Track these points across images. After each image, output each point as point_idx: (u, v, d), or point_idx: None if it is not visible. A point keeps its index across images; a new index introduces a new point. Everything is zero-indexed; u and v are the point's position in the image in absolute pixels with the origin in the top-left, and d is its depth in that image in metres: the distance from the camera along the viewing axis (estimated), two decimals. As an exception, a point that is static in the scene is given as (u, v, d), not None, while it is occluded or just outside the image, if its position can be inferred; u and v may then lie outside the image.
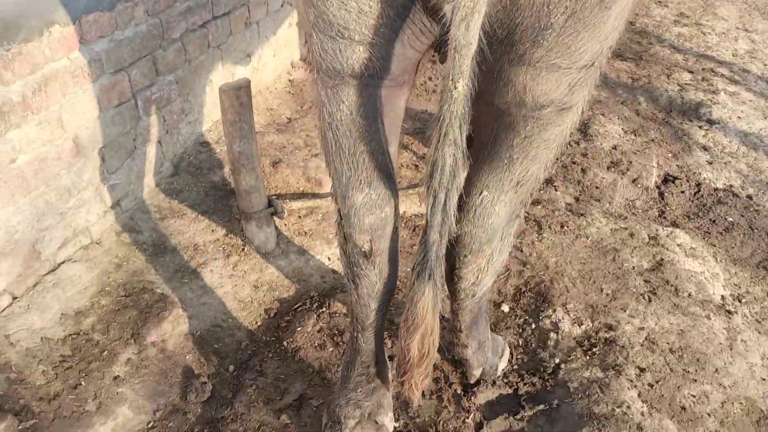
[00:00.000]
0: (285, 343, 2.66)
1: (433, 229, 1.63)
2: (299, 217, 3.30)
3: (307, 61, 4.42)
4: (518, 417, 2.45)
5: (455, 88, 1.42)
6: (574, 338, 2.76)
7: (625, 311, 2.88)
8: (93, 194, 2.92)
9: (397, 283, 2.03)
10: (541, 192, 3.60)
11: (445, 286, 2.25)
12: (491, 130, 1.84)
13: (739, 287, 3.15)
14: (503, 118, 1.78)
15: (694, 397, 2.51)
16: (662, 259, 3.18)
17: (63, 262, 2.81)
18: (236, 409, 2.39)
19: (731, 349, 2.73)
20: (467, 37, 1.33)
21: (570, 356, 2.67)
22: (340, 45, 1.59)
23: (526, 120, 1.74)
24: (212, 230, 3.13)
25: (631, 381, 2.54)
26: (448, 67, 1.40)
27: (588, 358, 2.66)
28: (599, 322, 2.82)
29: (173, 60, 3.21)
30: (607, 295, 2.97)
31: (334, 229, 3.25)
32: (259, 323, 2.81)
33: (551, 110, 1.71)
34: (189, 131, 3.53)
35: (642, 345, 2.71)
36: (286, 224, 3.23)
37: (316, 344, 2.66)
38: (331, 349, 2.64)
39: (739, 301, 3.04)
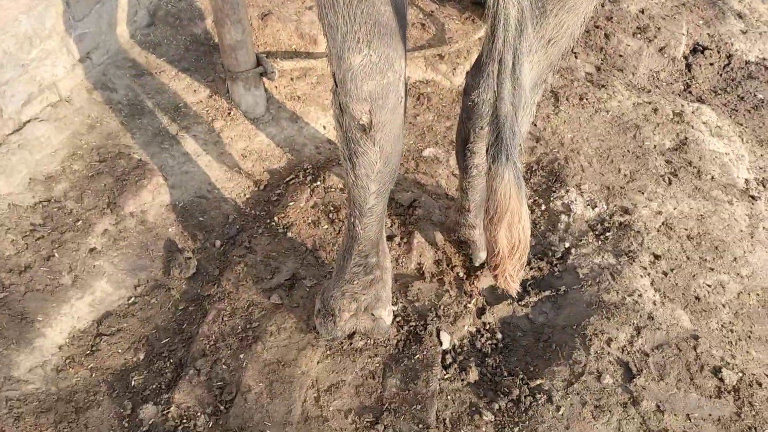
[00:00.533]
0: (276, 218, 2.46)
1: (503, 101, 1.35)
2: (291, 79, 2.98)
3: None
4: (522, 303, 2.31)
5: None
6: (587, 221, 2.57)
7: (643, 194, 2.67)
8: (58, 44, 2.57)
9: (401, 162, 1.78)
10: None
11: (465, 161, 2.02)
12: None
13: (765, 171, 2.93)
14: None
15: (710, 286, 2.37)
16: (686, 138, 2.93)
17: (29, 121, 2.52)
18: (223, 287, 2.23)
19: (752, 237, 2.57)
20: None
21: (581, 241, 2.49)
22: None
23: None
24: (194, 90, 2.82)
25: (645, 269, 2.38)
26: None
27: (600, 243, 2.48)
28: (615, 205, 2.62)
29: None
30: (625, 176, 2.75)
31: (330, 96, 2.95)
32: (247, 195, 2.59)
33: None
34: (166, -25, 3.10)
35: (658, 231, 2.53)
36: (276, 87, 2.92)
37: (310, 221, 2.45)
38: (326, 226, 2.44)
39: (764, 186, 2.84)
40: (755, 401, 2.03)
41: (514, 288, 1.72)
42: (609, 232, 2.52)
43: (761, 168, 2.94)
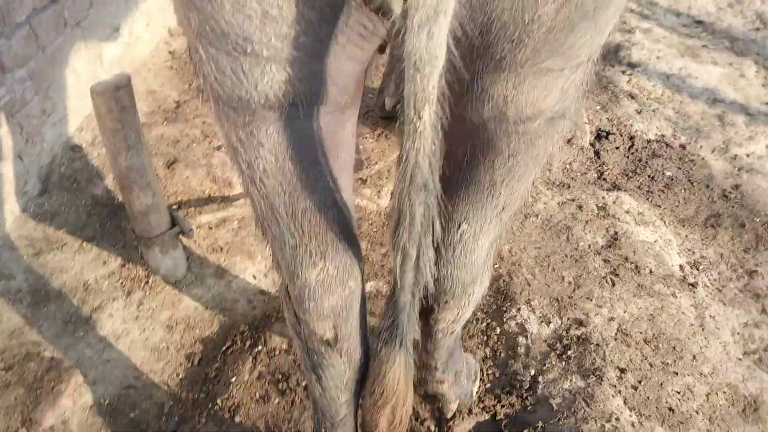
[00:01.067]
0: (219, 400, 2.20)
1: (404, 291, 1.26)
2: (210, 228, 2.77)
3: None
4: (503, 450, 2.17)
5: (419, 118, 1.01)
6: (545, 341, 2.49)
7: (591, 300, 2.64)
8: (-63, 238, 2.25)
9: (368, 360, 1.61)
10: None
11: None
12: (465, 150, 1.42)
13: (693, 252, 3.00)
14: (479, 134, 1.36)
15: (679, 393, 2.33)
16: (616, 233, 2.96)
17: None
18: (173, 504, 1.94)
19: (703, 330, 2.58)
20: (431, 48, 0.91)
21: (545, 364, 2.40)
22: (242, 64, 1.09)
23: (509, 136, 1.34)
24: (104, 262, 2.55)
25: (614, 386, 2.31)
26: (408, 90, 0.98)
27: (564, 363, 2.40)
28: (568, 318, 2.56)
29: (22, 50, 2.50)
30: (570, 283, 2.71)
31: (256, 240, 2.76)
32: (181, 375, 2.32)
33: (540, 122, 1.32)
34: (55, 134, 2.84)
35: (615, 339, 2.49)
36: (195, 241, 2.70)
37: (258, 396, 2.22)
38: (277, 400, 2.21)
39: (697, 269, 2.89)
40: None
41: None
42: (570, 350, 2.44)
43: (689, 250, 3.01)
